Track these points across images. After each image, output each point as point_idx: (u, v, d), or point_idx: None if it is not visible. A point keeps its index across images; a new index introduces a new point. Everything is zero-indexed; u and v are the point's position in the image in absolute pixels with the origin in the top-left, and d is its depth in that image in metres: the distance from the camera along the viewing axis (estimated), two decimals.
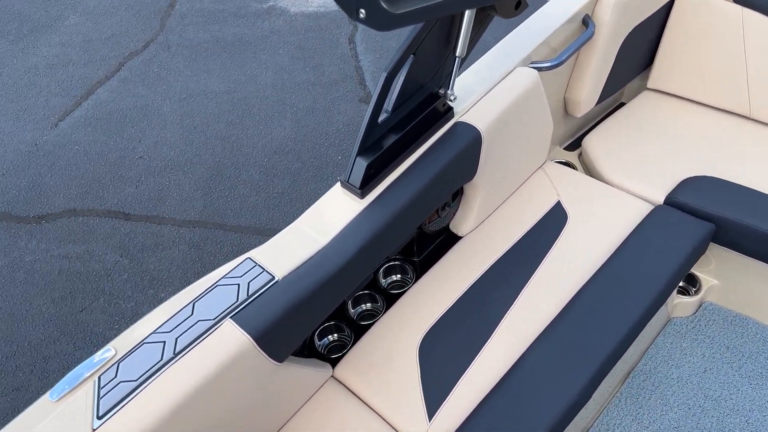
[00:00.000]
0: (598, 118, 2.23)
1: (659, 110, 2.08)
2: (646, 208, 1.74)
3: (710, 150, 1.92)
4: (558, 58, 1.72)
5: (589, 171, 1.98)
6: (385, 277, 1.74)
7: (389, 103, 1.44)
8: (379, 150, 1.41)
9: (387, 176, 1.46)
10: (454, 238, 1.72)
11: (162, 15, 3.74)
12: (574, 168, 2.05)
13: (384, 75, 1.31)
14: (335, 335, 1.64)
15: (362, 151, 1.40)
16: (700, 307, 1.87)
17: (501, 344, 1.48)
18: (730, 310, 1.85)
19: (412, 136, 1.48)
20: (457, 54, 1.45)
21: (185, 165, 2.86)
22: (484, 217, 1.73)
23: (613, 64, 1.97)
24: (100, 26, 3.69)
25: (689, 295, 1.86)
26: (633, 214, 1.73)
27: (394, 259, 1.74)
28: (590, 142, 1.99)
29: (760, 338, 1.77)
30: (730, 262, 1.78)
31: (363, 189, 1.41)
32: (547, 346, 1.44)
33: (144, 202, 2.73)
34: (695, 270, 1.88)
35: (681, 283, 1.88)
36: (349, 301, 1.67)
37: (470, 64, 2.23)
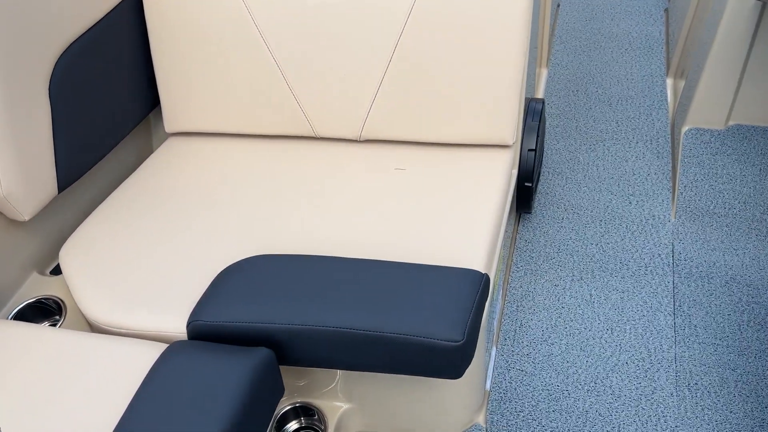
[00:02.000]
0: None
1: (182, 166, 1.54)
2: (151, 356, 1.09)
3: (263, 205, 1.41)
4: None
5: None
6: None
7: None
8: None
9: None
10: None
11: None
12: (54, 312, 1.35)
13: None
14: None
15: None
16: None
17: None
18: None
19: None
20: None
21: None
22: None
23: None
24: None
25: None
26: (133, 372, 1.07)
27: None
28: (67, 258, 1.32)
29: None
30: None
31: None
32: None
33: None
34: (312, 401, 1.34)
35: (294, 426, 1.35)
36: None
37: None
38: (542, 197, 1.97)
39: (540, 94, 2.33)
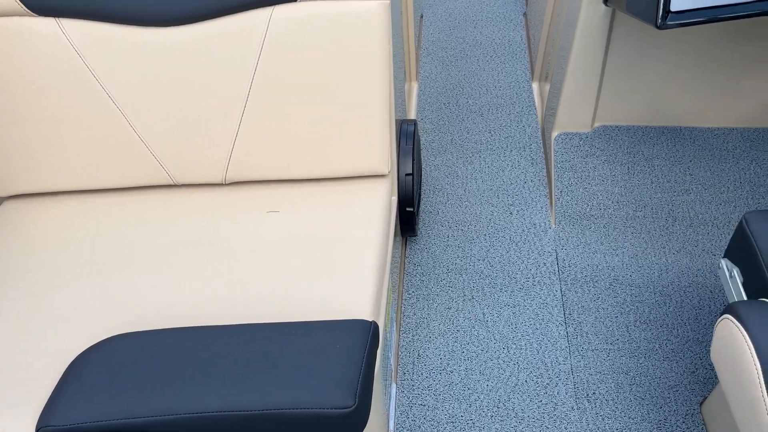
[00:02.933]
0: None
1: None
2: None
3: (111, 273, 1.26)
4: None
5: None
6: None
7: None
8: None
9: None
10: None
11: None
12: None
13: None
14: None
15: None
16: None
17: None
18: None
19: None
20: None
21: None
22: None
23: None
24: None
25: None
26: None
27: None
28: None
29: None
30: None
31: None
32: None
33: None
34: None
35: None
36: None
37: None
38: (426, 216, 1.93)
39: (413, 109, 2.30)
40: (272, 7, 1.32)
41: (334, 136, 1.41)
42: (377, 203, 1.42)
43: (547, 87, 2.21)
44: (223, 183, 1.45)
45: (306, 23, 1.32)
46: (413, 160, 1.64)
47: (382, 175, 1.47)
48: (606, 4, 1.71)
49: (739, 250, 1.20)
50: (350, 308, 1.17)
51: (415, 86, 2.39)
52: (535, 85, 2.36)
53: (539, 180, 2.01)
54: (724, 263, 1.25)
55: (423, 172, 2.05)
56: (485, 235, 1.87)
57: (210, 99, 1.37)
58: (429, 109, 2.29)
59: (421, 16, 2.69)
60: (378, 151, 1.43)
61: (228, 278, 1.25)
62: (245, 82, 1.36)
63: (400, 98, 1.80)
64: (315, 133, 1.41)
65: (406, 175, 1.63)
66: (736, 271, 1.21)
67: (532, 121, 2.21)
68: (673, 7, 1.31)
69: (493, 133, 2.18)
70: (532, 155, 2.09)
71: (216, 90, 1.36)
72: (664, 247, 1.78)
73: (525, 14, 2.71)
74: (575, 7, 1.81)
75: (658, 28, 1.32)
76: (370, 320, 1.13)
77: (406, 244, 1.86)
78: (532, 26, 2.55)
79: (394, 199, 1.61)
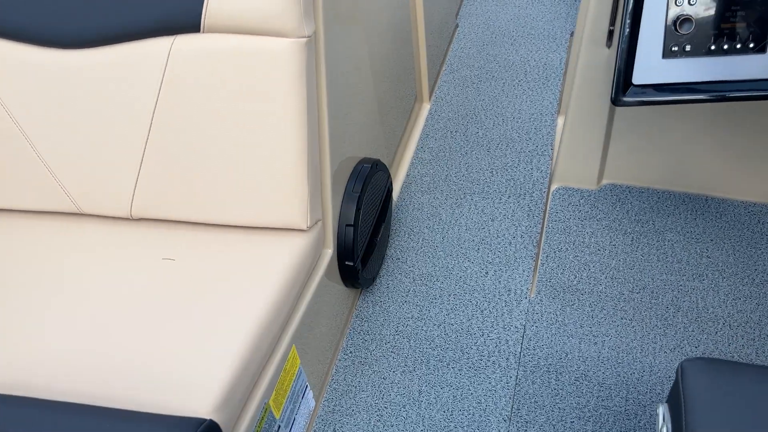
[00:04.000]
0: None
1: None
2: None
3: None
4: None
5: None
6: None
7: None
8: None
9: None
10: None
11: None
12: None
13: None
14: None
15: None
16: None
17: None
18: None
19: None
20: None
21: None
22: None
23: None
24: None
25: None
26: None
27: None
28: None
29: None
30: None
31: None
32: None
33: None
34: None
35: None
36: None
37: None
38: (391, 264, 1.73)
39: (416, 134, 2.08)
40: (173, 37, 1.16)
41: (245, 182, 1.25)
42: (287, 261, 1.24)
43: None
44: (130, 218, 1.33)
45: (211, 57, 1.16)
46: (358, 209, 1.45)
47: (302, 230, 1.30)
48: (608, 47, 1.42)
49: (675, 401, 0.93)
50: (188, 400, 1.01)
51: (425, 108, 2.17)
52: (560, 120, 2.07)
53: (531, 237, 1.74)
54: (662, 410, 0.98)
55: (397, 213, 1.83)
56: (450, 295, 1.65)
57: (113, 127, 1.24)
58: (433, 137, 2.06)
59: (456, 26, 2.45)
60: (294, 203, 1.25)
61: (77, 335, 1.13)
62: (146, 114, 1.22)
63: (365, 135, 1.59)
64: (224, 176, 1.25)
65: (347, 225, 1.44)
66: (667, 428, 0.94)
67: (544, 163, 1.93)
68: (636, 80, 1.03)
69: (495, 172, 1.93)
70: (531, 205, 1.82)
71: (118, 119, 1.23)
72: (656, 343, 1.49)
73: (572, 34, 2.39)
74: (577, 45, 1.53)
75: (614, 104, 1.05)
76: (207, 419, 0.97)
77: (360, 293, 1.68)
78: (574, 48, 2.24)
79: (329, 252, 1.43)
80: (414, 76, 2.03)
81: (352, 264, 1.47)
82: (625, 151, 1.65)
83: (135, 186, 1.28)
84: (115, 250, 1.28)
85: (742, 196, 1.64)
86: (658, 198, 1.67)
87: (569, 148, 1.66)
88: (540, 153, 1.97)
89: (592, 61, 1.48)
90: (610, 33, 1.38)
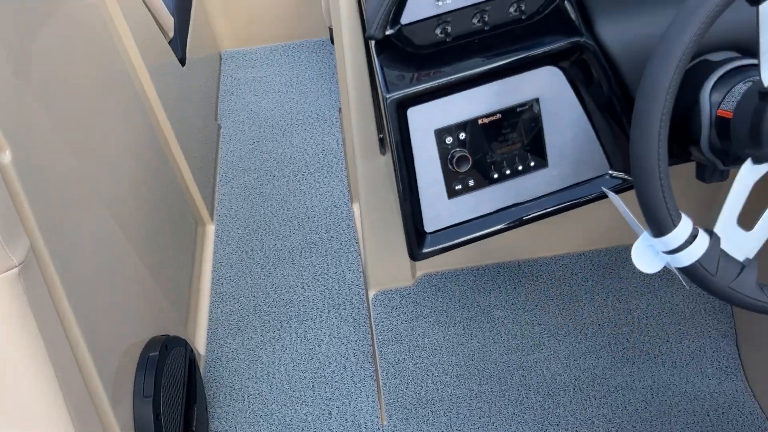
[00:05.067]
0: None
1: None
2: None
3: None
4: None
5: None
6: None
7: None
8: None
9: None
10: None
11: None
12: None
13: None
14: None
15: None
16: None
17: None
18: None
19: None
20: None
21: None
22: None
23: None
24: None
25: None
26: None
27: None
28: None
29: None
30: None
31: None
32: None
33: None
34: None
35: None
36: None
37: None
38: (217, 424, 1.48)
39: (207, 262, 1.84)
40: None
41: None
42: None
43: None
44: None
45: None
46: (156, 415, 1.18)
47: None
48: (383, 154, 1.32)
49: None
50: None
51: (210, 230, 1.94)
52: (356, 209, 1.96)
53: (364, 353, 1.59)
54: None
55: (210, 372, 1.58)
56: None
57: None
58: (227, 264, 1.83)
59: (219, 128, 2.25)
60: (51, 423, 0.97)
61: None
62: None
63: (141, 306, 1.33)
64: None
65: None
66: None
67: (353, 261, 1.80)
68: (429, 227, 0.93)
69: (306, 287, 1.76)
70: (354, 314, 1.67)
71: None
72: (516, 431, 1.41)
73: (340, 110, 2.31)
74: (351, 158, 1.42)
75: (413, 259, 0.93)
76: None
77: None
78: (347, 127, 2.15)
79: None
80: (185, 198, 1.79)
81: None
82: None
83: None
84: None
85: (551, 252, 1.63)
86: (475, 276, 1.61)
87: (374, 246, 1.54)
88: (346, 250, 1.83)
89: (370, 171, 1.37)
90: (381, 140, 1.28)
